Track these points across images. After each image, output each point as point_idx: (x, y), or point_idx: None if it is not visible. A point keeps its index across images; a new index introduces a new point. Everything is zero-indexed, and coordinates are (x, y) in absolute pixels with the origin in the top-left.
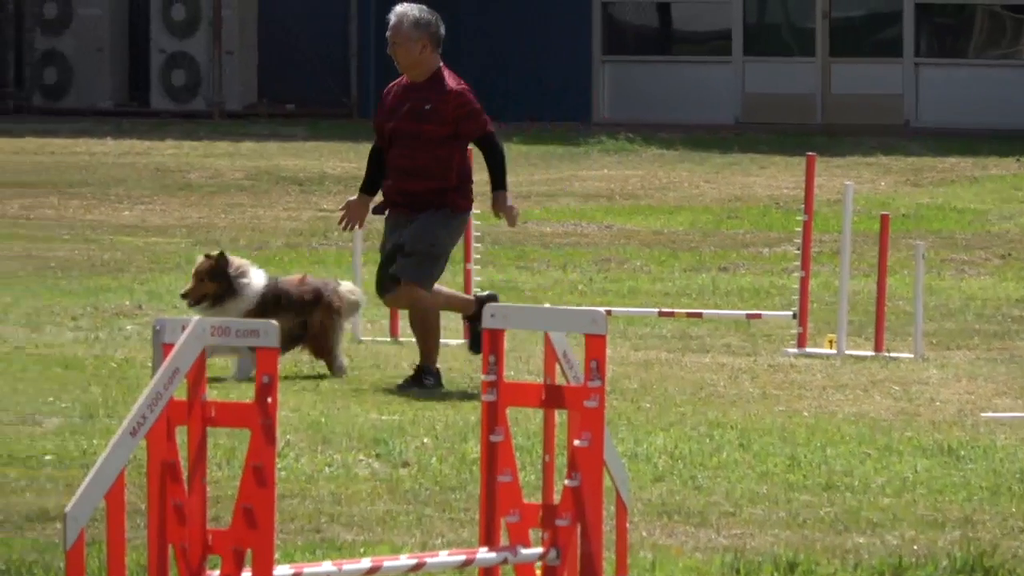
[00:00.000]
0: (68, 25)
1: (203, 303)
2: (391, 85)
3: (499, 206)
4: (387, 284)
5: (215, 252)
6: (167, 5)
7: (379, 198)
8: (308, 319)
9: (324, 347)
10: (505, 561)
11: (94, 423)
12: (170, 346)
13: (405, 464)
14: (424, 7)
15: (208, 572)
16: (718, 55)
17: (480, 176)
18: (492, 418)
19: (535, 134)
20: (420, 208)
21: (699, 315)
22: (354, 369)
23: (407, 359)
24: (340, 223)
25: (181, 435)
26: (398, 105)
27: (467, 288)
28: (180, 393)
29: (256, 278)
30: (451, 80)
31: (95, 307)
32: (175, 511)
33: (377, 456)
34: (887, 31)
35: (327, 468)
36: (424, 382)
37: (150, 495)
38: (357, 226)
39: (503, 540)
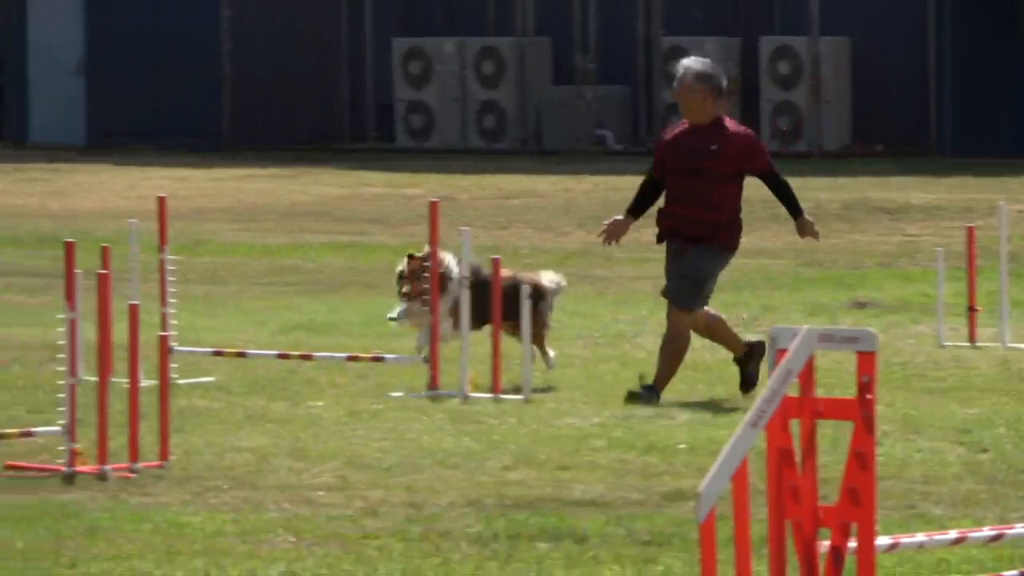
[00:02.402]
0: None
1: (419, 297)
2: (672, 127)
3: (802, 228)
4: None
5: (419, 253)
6: (773, 62)
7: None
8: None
9: (536, 336)
10: None
11: (719, 417)
12: (783, 351)
13: (984, 450)
14: (707, 61)
15: (819, 542)
16: None
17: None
18: None
19: None
20: (692, 239)
21: None
22: (935, 369)
23: (986, 362)
24: (600, 235)
25: (793, 426)
26: (682, 143)
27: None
28: (792, 390)
29: (454, 270)
30: (732, 124)
31: None
32: (790, 491)
33: (960, 443)
34: None
35: (918, 454)
36: (641, 395)
37: (769, 477)
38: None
39: None
